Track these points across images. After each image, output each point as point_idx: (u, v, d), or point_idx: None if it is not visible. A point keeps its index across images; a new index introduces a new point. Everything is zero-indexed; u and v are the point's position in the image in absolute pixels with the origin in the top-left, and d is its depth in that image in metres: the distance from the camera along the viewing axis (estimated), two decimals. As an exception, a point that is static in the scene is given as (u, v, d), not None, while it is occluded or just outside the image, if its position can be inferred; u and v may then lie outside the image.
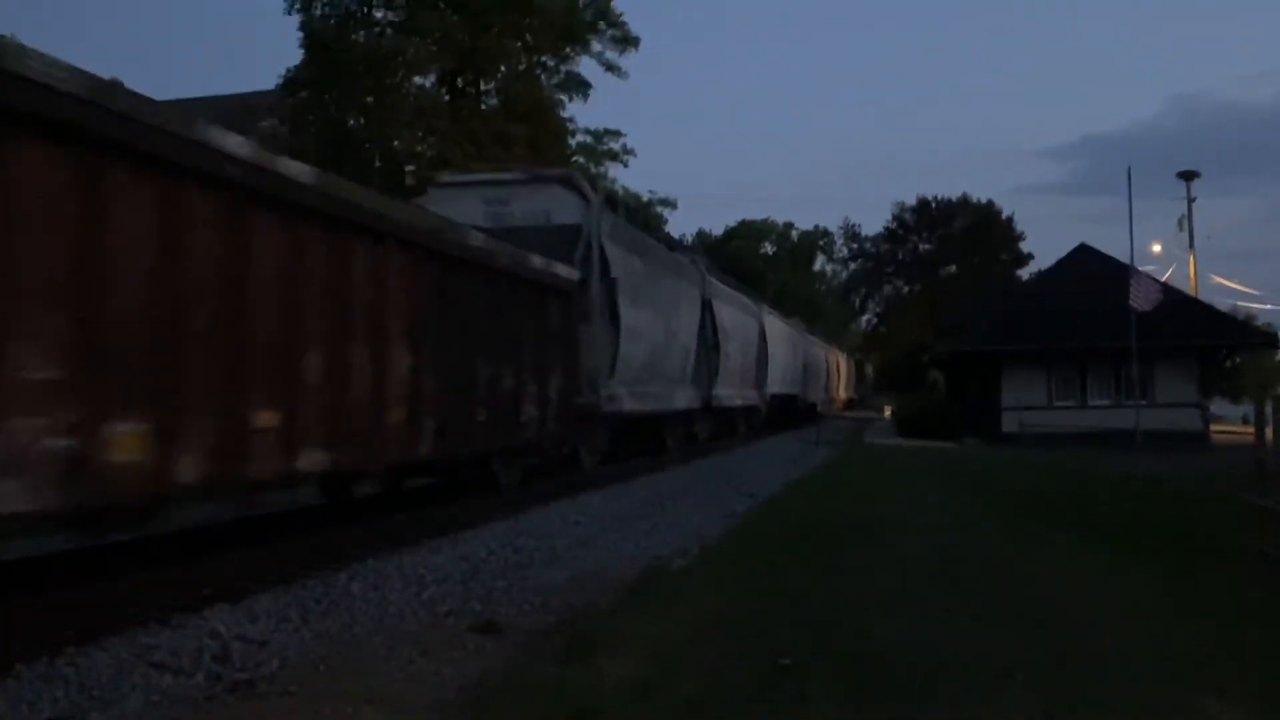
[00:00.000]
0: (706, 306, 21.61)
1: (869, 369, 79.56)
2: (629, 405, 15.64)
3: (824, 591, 6.97)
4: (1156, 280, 23.58)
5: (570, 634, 5.72)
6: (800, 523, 10.70)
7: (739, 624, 6.06)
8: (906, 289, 58.13)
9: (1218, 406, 41.91)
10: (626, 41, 34.82)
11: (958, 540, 9.57)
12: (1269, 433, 10.05)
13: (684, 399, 19.81)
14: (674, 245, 25.56)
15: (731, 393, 24.33)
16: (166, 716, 4.45)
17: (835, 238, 72.01)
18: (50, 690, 4.58)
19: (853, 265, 63.75)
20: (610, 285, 14.57)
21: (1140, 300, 20.55)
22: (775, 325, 32.81)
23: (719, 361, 22.45)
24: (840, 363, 58.58)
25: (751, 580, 7.45)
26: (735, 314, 24.97)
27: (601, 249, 14.33)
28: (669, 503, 12.78)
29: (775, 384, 31.47)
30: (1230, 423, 41.55)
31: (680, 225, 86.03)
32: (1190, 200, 42.10)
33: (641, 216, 30.48)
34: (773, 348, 30.52)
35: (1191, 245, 42.54)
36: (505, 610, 6.57)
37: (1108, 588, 7.47)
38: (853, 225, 63.15)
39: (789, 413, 35.60)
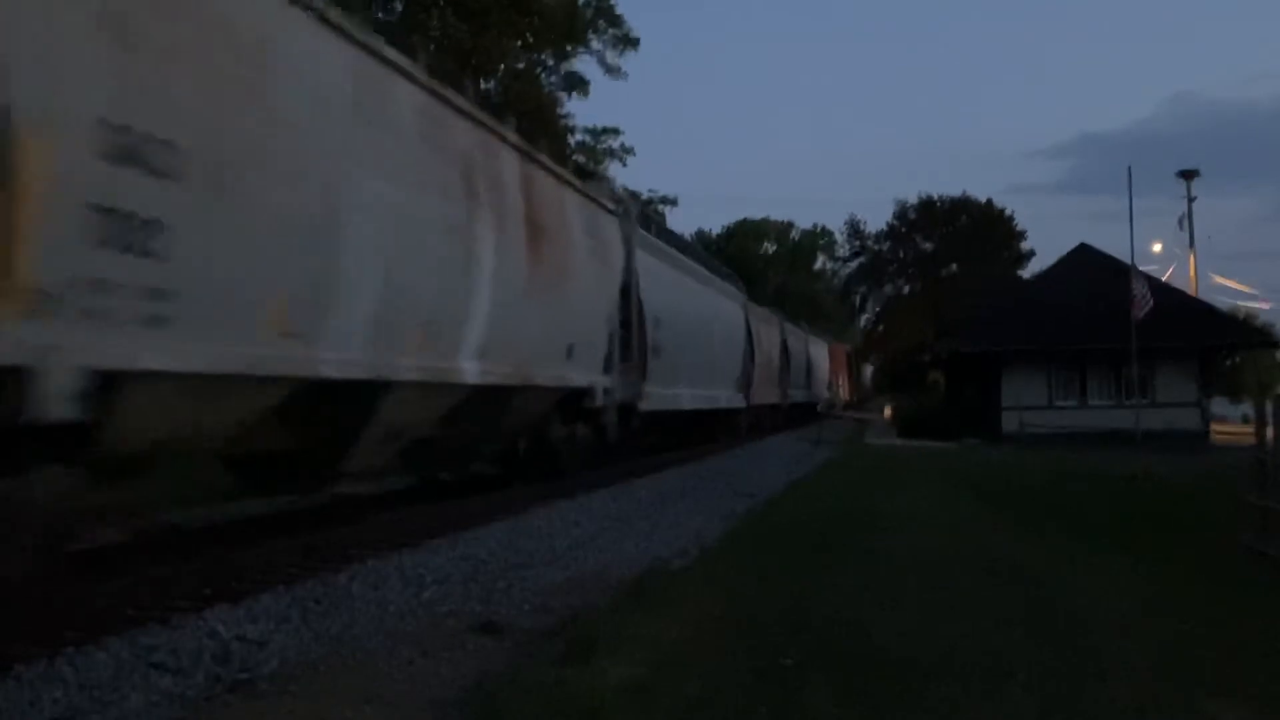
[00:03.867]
0: None
1: (867, 369, 79.42)
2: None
3: (824, 592, 6.97)
4: (1150, 281, 23.76)
5: (570, 634, 5.71)
6: (800, 523, 10.69)
7: (739, 624, 6.06)
8: (907, 288, 57.93)
9: (1218, 406, 41.89)
10: (627, 42, 34.72)
11: (957, 540, 9.57)
12: (1269, 432, 10.04)
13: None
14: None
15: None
16: (166, 716, 4.45)
17: (836, 236, 71.69)
18: (50, 690, 4.57)
19: (853, 264, 63.42)
20: None
21: (1139, 309, 20.88)
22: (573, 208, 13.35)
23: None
24: (835, 361, 58.35)
25: (752, 580, 7.45)
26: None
27: None
28: (669, 503, 12.78)
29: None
30: (1230, 423, 41.53)
31: (680, 224, 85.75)
32: (1190, 200, 42.10)
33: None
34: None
35: (1191, 245, 42.55)
36: (505, 610, 6.57)
37: (1108, 588, 7.47)
38: (857, 221, 62.51)
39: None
